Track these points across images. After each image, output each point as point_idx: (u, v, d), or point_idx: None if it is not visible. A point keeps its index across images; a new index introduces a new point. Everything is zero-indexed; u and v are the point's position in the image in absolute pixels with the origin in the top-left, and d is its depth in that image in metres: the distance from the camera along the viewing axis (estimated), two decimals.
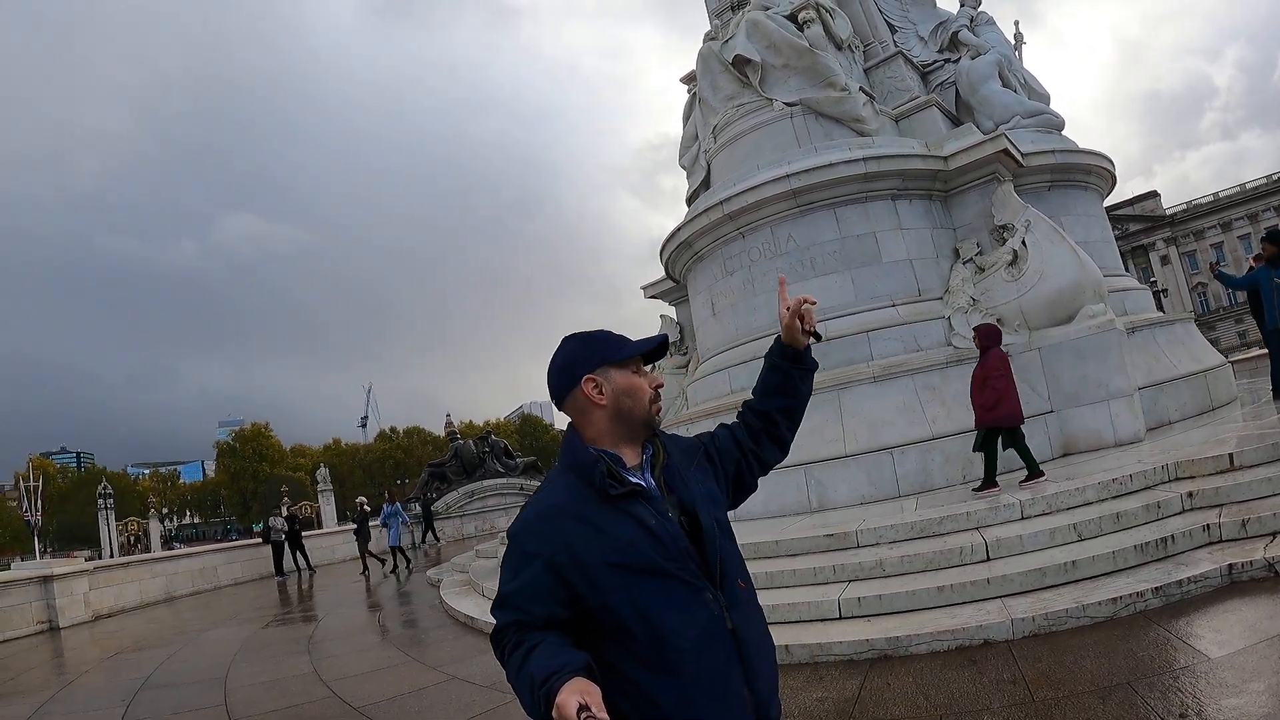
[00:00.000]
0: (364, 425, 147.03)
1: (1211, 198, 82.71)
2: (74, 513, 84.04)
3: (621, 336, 2.19)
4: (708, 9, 16.65)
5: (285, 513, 26.25)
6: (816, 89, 13.18)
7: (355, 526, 23.35)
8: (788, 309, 2.39)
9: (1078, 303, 10.86)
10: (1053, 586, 6.36)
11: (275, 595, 19.44)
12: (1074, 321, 10.78)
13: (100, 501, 50.15)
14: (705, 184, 14.97)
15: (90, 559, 29.83)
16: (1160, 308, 17.17)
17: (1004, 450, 8.93)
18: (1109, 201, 15.87)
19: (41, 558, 40.15)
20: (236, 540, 47.51)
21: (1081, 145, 14.58)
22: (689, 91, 16.48)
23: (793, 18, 13.46)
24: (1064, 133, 14.89)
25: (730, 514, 2.26)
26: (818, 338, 2.42)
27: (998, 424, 8.82)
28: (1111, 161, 14.81)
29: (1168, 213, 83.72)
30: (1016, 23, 16.64)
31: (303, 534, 25.96)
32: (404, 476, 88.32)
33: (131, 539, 53.71)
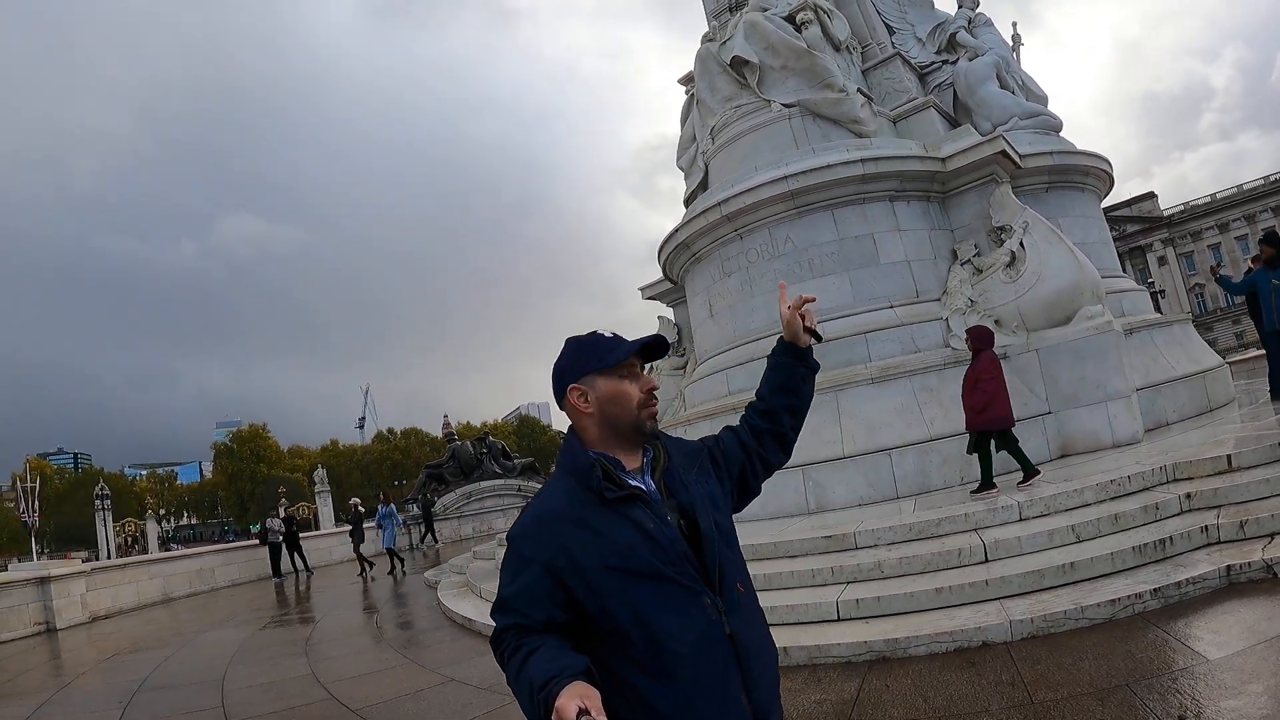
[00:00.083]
0: (361, 426, 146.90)
1: (1209, 199, 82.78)
2: (71, 514, 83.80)
3: (614, 340, 2.14)
4: (705, 10, 16.64)
5: (283, 514, 26.20)
6: (814, 90, 13.18)
7: (350, 528, 23.33)
8: (789, 307, 2.43)
9: (1076, 304, 10.86)
10: (1051, 588, 6.36)
11: (273, 596, 19.44)
12: (1072, 323, 10.78)
13: (97, 502, 50.12)
14: (703, 185, 14.97)
15: (87, 560, 29.84)
16: (1158, 309, 17.19)
17: (997, 452, 8.93)
18: (1106, 203, 15.88)
19: (38, 559, 40.11)
20: (233, 541, 47.49)
21: (1080, 146, 14.60)
22: (687, 93, 16.47)
23: (791, 19, 13.46)
24: (1062, 134, 14.90)
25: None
26: (818, 338, 2.46)
27: (988, 427, 8.83)
28: (1109, 163, 14.82)
29: (1165, 214, 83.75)
30: (1014, 24, 16.66)
31: (300, 535, 25.95)
32: (401, 478, 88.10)
33: (129, 540, 53.66)
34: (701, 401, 13.35)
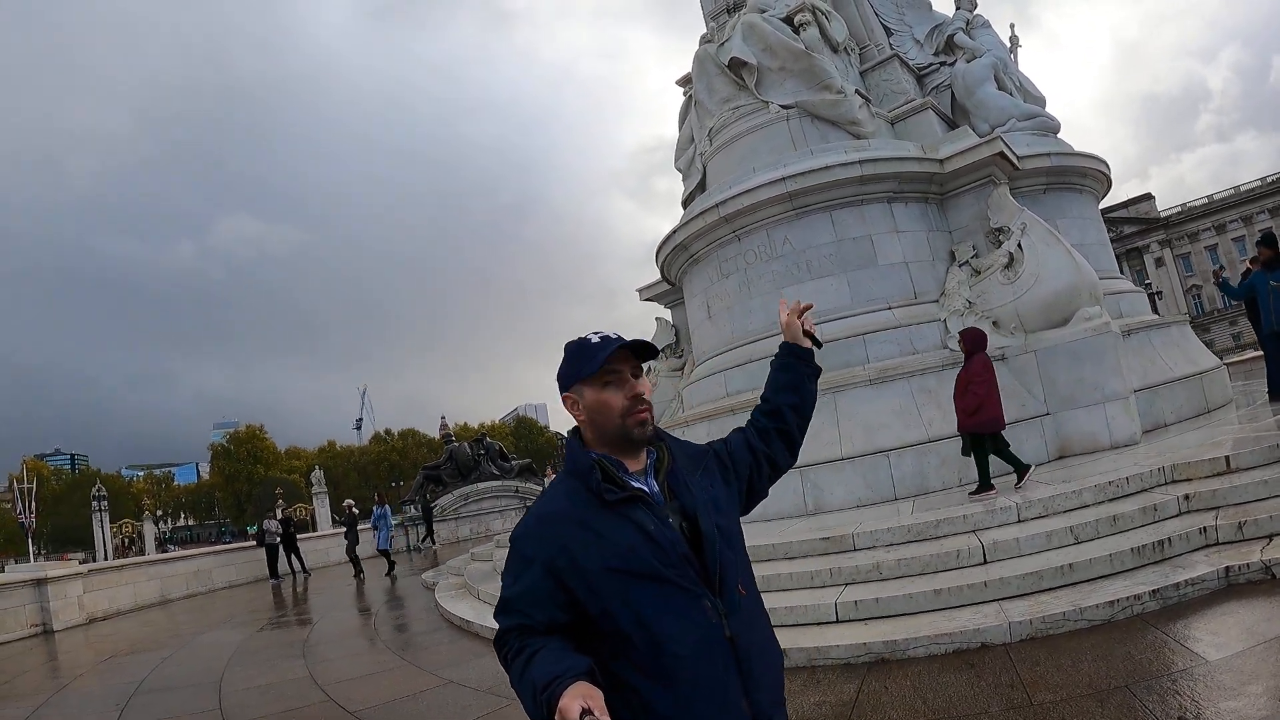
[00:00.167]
0: (359, 428, 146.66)
1: (1206, 200, 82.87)
2: (68, 515, 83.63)
3: (598, 345, 2.09)
4: (703, 11, 16.63)
5: (280, 515, 26.15)
6: (812, 92, 13.19)
7: (345, 529, 23.31)
8: (788, 312, 2.54)
9: (1074, 305, 10.87)
10: (1050, 589, 6.37)
11: (270, 598, 19.42)
12: (1070, 324, 10.79)
13: (94, 503, 49.91)
14: (701, 187, 14.97)
15: (84, 561, 29.72)
16: (1155, 310, 17.20)
17: (979, 452, 8.94)
18: (1104, 204, 15.91)
19: (35, 560, 40.06)
20: (230, 542, 47.38)
21: (1078, 148, 14.62)
22: (685, 94, 16.47)
23: (789, 20, 13.46)
24: (1060, 135, 14.92)
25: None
26: (817, 343, 2.55)
27: (979, 430, 8.83)
28: (1107, 164, 14.84)
29: (1162, 215, 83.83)
30: (1012, 25, 16.73)
31: (297, 537, 25.92)
32: (399, 479, 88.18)
33: (126, 541, 53.52)
34: (699, 403, 13.35)
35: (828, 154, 12.42)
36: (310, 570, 24.98)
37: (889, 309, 11.84)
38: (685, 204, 15.41)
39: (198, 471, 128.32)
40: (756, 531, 9.48)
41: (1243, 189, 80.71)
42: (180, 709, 8.31)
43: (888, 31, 15.41)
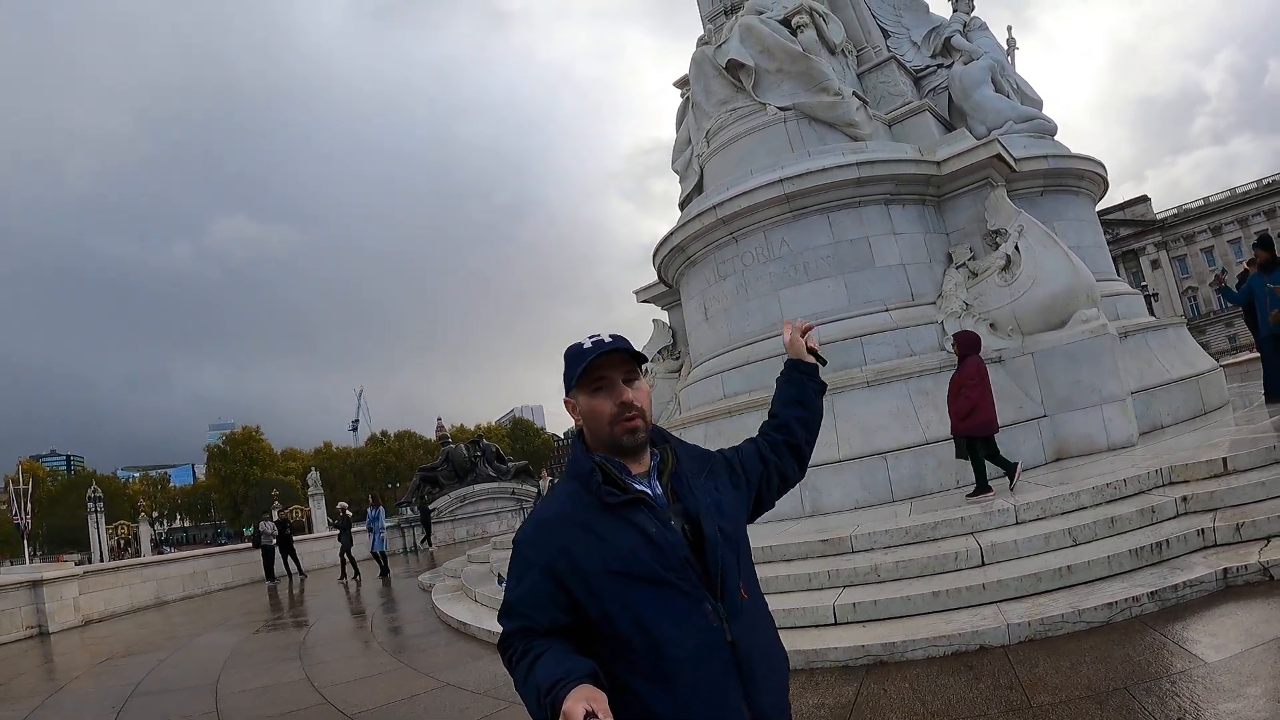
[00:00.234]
0: (355, 429, 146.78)
1: (1202, 202, 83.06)
2: (63, 516, 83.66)
3: (586, 351, 2.06)
4: (700, 13, 16.64)
5: (276, 517, 26.12)
6: (810, 94, 13.19)
7: (338, 532, 23.31)
8: (790, 329, 2.61)
9: (1071, 307, 10.88)
10: (1048, 591, 6.36)
11: (266, 600, 19.38)
12: (1067, 326, 10.80)
13: (90, 505, 49.84)
14: (698, 188, 14.97)
15: (80, 562, 29.71)
16: (1151, 312, 17.23)
17: (972, 455, 8.94)
18: (1100, 206, 15.92)
19: (31, 561, 40.00)
20: (226, 544, 47.32)
21: (1075, 150, 14.63)
22: (682, 96, 16.49)
23: (786, 22, 13.46)
24: (1057, 137, 14.94)
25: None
26: (821, 360, 2.61)
27: (972, 433, 8.83)
28: (1103, 166, 14.86)
29: (1158, 217, 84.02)
30: (1009, 28, 16.73)
31: (294, 538, 25.88)
32: (395, 480, 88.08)
33: (121, 542, 53.41)
34: (696, 405, 13.34)
35: (825, 156, 12.42)
36: (306, 572, 24.93)
37: (886, 311, 11.84)
38: (682, 206, 15.43)
39: (193, 473, 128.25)
40: (754, 533, 9.33)
41: (1239, 191, 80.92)
42: (177, 711, 8.28)
43: (885, 34, 15.42)
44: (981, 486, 8.72)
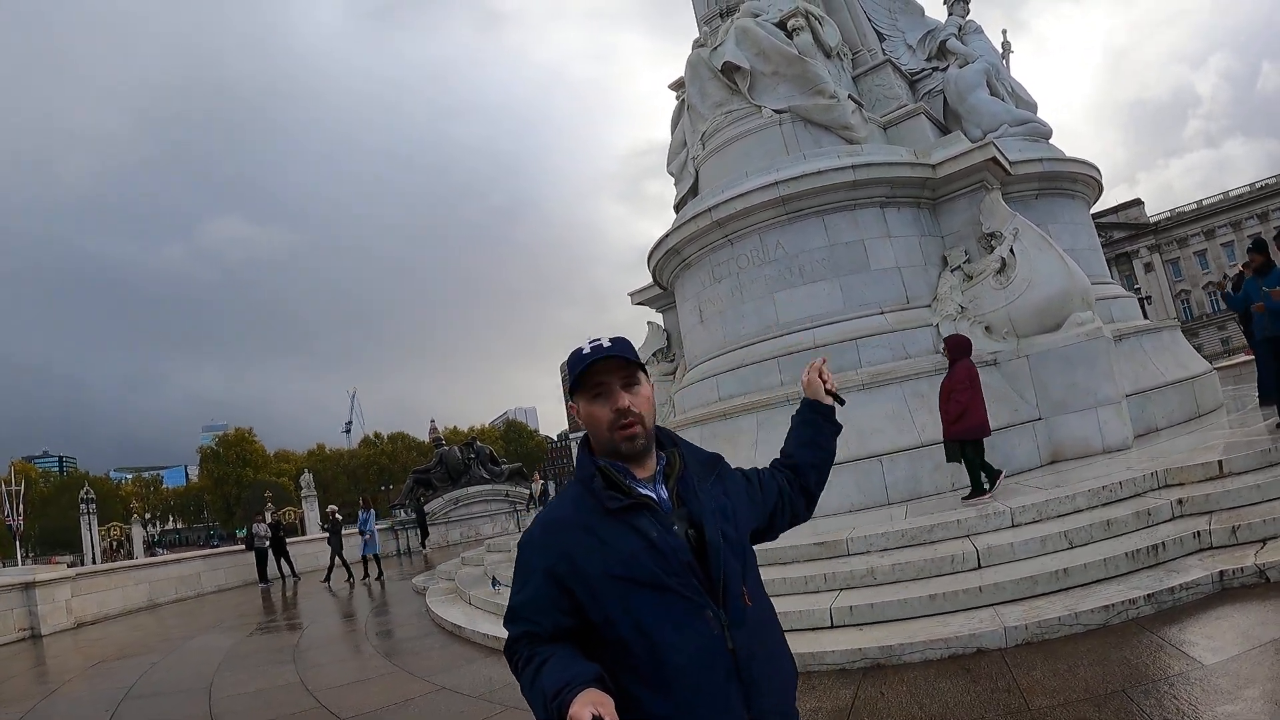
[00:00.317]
0: (348, 431, 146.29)
1: (1195, 205, 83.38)
2: (56, 517, 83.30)
3: (581, 358, 2.04)
4: (696, 16, 16.66)
5: (269, 519, 26.05)
6: (805, 97, 13.19)
7: (328, 535, 23.25)
8: (808, 370, 2.57)
9: (1066, 310, 10.90)
10: (1045, 594, 6.36)
11: (259, 602, 19.31)
12: (1062, 329, 10.82)
13: (82, 506, 49.64)
14: (693, 191, 14.96)
15: (72, 564, 29.62)
16: (1144, 315, 17.27)
17: (965, 459, 8.94)
18: (1093, 209, 15.96)
19: (23, 563, 39.84)
20: (219, 546, 47.20)
21: (1069, 153, 14.67)
22: (677, 98, 16.47)
23: (782, 25, 13.47)
24: (1051, 141, 14.97)
25: None
26: (840, 401, 2.58)
27: (965, 436, 8.85)
28: (1098, 170, 14.90)
29: (1151, 220, 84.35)
30: (1004, 31, 16.79)
31: (286, 540, 25.81)
32: (388, 482, 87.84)
33: (114, 544, 53.23)
34: (691, 407, 13.33)
35: (820, 159, 12.43)
36: (300, 574, 24.85)
37: (881, 314, 11.85)
38: (677, 208, 15.42)
39: (186, 474, 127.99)
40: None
41: (1232, 194, 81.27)
42: (170, 715, 8.25)
43: (880, 37, 15.44)
44: (977, 489, 8.73)
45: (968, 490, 8.92)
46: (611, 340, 2.07)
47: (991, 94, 14.75)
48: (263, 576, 23.81)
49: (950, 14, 16.05)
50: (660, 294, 16.98)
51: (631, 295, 18.27)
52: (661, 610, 1.89)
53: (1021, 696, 4.83)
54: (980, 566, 7.03)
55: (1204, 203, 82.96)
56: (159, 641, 14.02)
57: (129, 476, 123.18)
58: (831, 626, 6.78)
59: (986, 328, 11.33)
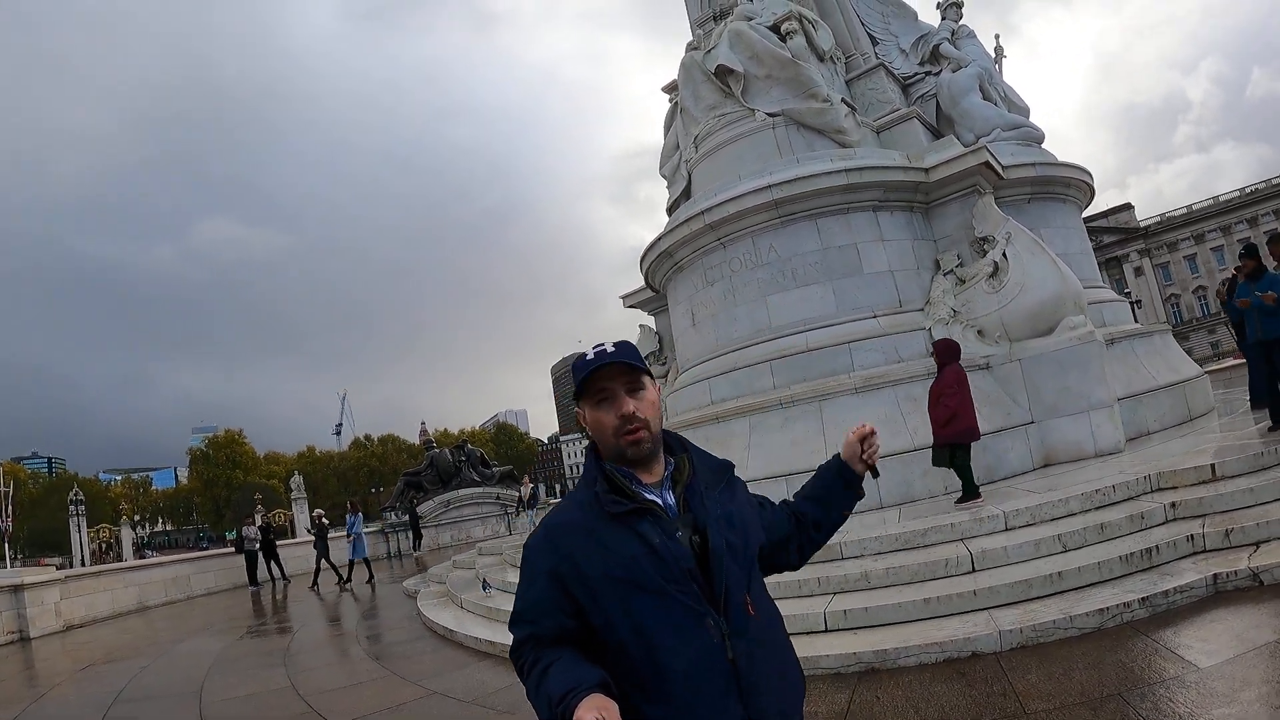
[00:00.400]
0: (339, 433, 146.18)
1: (1185, 210, 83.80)
2: (45, 519, 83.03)
3: (584, 365, 2.04)
4: (689, 18, 16.66)
5: (259, 522, 25.96)
6: (799, 100, 13.21)
7: (314, 539, 23.19)
8: (853, 433, 2.44)
9: (1058, 314, 10.92)
10: (1039, 598, 6.36)
11: (249, 605, 19.22)
12: (1055, 333, 10.85)
13: (71, 508, 49.57)
14: (686, 194, 14.96)
15: (61, 566, 29.44)
16: (1135, 319, 17.33)
17: (954, 463, 8.94)
18: (1084, 214, 16.01)
19: (11, 565, 39.63)
20: (209, 548, 47.05)
21: (1060, 158, 14.70)
22: (670, 101, 16.46)
23: (775, 29, 13.49)
24: (1043, 145, 15.01)
25: None
26: (875, 473, 2.48)
27: (956, 440, 8.85)
28: (1090, 174, 14.95)
29: (1142, 225, 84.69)
30: (997, 36, 16.83)
31: (277, 543, 25.72)
32: (379, 485, 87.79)
33: (103, 546, 53.12)
34: (683, 411, 13.30)
35: (814, 162, 12.45)
36: (290, 577, 24.75)
37: (874, 317, 11.86)
38: (670, 211, 15.41)
39: (176, 476, 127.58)
40: None
41: (1221, 199, 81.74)
42: (161, 719, 8.20)
43: (873, 41, 15.48)
44: (969, 492, 8.72)
45: (959, 494, 8.92)
46: (615, 345, 2.06)
47: (984, 98, 14.80)
48: (253, 579, 23.70)
49: (943, 18, 16.11)
50: (652, 297, 16.98)
51: (624, 298, 18.26)
52: (662, 614, 1.88)
53: (1017, 700, 4.83)
54: (974, 570, 7.03)
55: (1194, 207, 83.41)
56: (148, 645, 13.94)
57: (118, 478, 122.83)
58: (826, 630, 6.78)
59: (979, 331, 11.35)
